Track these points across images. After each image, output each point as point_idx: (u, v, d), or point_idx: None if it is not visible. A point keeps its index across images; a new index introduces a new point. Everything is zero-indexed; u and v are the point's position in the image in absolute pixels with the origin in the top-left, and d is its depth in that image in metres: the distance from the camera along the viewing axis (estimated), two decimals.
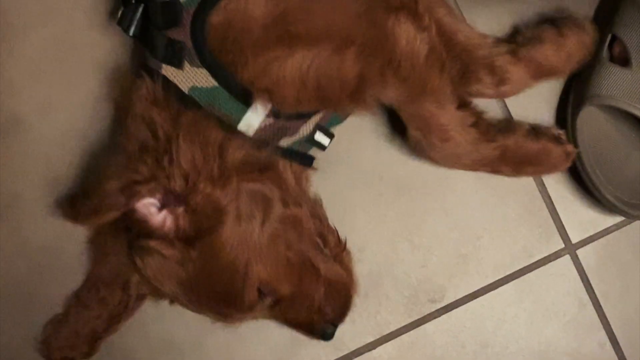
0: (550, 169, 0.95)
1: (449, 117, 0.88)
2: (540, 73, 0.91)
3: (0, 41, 0.97)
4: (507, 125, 0.93)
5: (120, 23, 0.86)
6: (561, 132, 0.95)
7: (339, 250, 0.90)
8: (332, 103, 0.84)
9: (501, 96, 0.92)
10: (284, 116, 0.84)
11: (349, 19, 0.82)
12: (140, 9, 0.85)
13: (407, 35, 0.83)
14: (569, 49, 0.91)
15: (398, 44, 0.83)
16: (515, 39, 0.92)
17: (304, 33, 0.80)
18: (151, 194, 0.78)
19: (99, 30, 0.97)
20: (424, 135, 0.88)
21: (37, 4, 0.97)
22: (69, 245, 0.97)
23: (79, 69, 0.97)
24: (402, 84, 0.84)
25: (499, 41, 0.91)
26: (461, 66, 0.88)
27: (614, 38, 0.93)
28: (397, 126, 0.95)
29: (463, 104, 0.91)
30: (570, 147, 0.93)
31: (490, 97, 0.91)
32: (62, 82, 0.97)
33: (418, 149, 0.91)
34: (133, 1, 0.86)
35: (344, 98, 0.83)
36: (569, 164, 0.95)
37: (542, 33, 0.91)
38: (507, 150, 0.91)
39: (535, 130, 0.94)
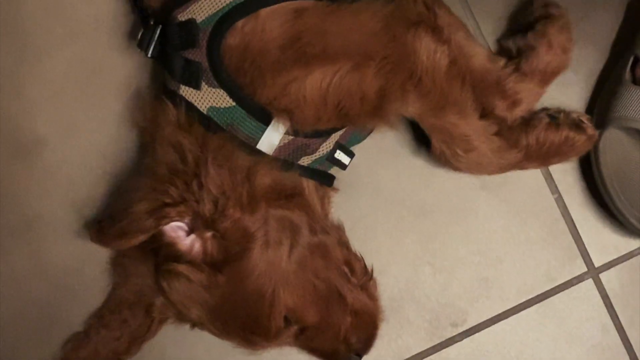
0: (575, 154, 0.94)
1: (472, 127, 0.88)
2: (547, 78, 0.91)
3: (24, 63, 0.98)
4: (527, 120, 0.93)
5: (139, 45, 0.87)
6: (582, 115, 0.94)
7: (365, 279, 0.89)
8: (353, 120, 0.84)
9: (517, 115, 0.92)
10: (302, 134, 0.84)
11: (367, 36, 0.82)
12: (158, 31, 0.86)
13: (428, 50, 0.84)
14: (558, 41, 0.90)
15: (419, 59, 0.83)
16: (510, 54, 0.93)
17: (321, 52, 0.80)
18: (180, 217, 0.78)
19: (121, 52, 0.98)
20: (448, 147, 0.88)
21: (59, 27, 0.98)
22: (90, 267, 0.97)
23: (101, 91, 0.98)
24: (424, 98, 0.85)
25: (508, 62, 0.92)
26: (477, 94, 0.89)
27: (637, 60, 0.93)
28: (420, 137, 0.95)
29: (486, 113, 0.90)
30: (591, 131, 0.93)
31: (508, 119, 0.91)
32: (84, 104, 0.98)
33: (442, 160, 0.91)
34: (151, 22, 0.87)
35: (365, 114, 0.83)
36: (591, 146, 0.94)
37: (527, 43, 0.91)
38: (531, 150, 0.91)
39: (556, 120, 0.93)
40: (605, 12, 0.99)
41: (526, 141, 0.91)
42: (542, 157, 0.92)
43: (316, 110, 0.82)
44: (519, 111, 0.91)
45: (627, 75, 0.93)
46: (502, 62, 0.91)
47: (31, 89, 0.98)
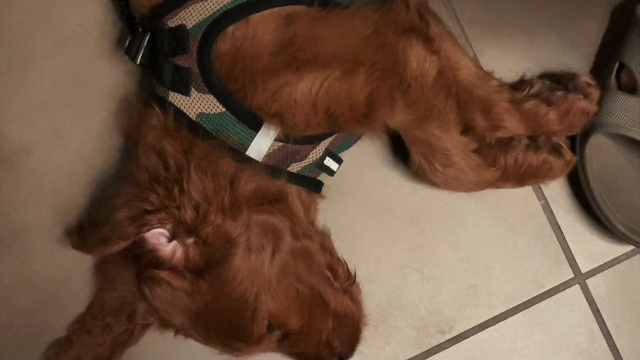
0: (552, 178, 0.95)
1: (452, 142, 0.88)
2: (536, 130, 0.92)
3: (11, 71, 0.98)
4: (507, 140, 0.93)
5: (127, 52, 0.87)
6: (561, 139, 0.94)
7: (348, 284, 0.89)
8: (342, 126, 0.85)
9: (495, 137, 0.93)
10: (293, 140, 0.84)
11: (357, 42, 0.82)
12: (147, 37, 0.86)
13: (418, 58, 0.84)
14: (573, 118, 0.91)
15: (409, 66, 0.84)
16: (520, 87, 0.93)
17: (312, 58, 0.80)
18: (161, 223, 0.78)
19: (108, 60, 0.98)
20: (427, 160, 0.89)
21: (47, 35, 0.98)
22: (76, 276, 0.96)
23: (89, 99, 0.98)
24: (410, 107, 0.85)
25: (502, 85, 0.92)
26: (460, 106, 0.89)
27: (622, 66, 0.93)
28: (399, 151, 0.96)
29: (466, 129, 0.91)
30: (569, 156, 0.94)
31: (486, 137, 0.92)
32: (71, 112, 0.98)
33: (420, 173, 0.91)
34: (140, 29, 0.87)
35: (353, 120, 0.83)
36: (568, 171, 0.95)
37: (550, 96, 0.91)
38: (508, 170, 0.92)
39: (535, 142, 0.93)
40: (590, 18, 0.99)
41: (504, 161, 0.91)
42: (518, 177, 0.93)
43: (306, 115, 0.82)
44: (498, 134, 0.92)
45: (613, 81, 0.94)
46: (493, 81, 0.91)
47: (18, 98, 0.98)
